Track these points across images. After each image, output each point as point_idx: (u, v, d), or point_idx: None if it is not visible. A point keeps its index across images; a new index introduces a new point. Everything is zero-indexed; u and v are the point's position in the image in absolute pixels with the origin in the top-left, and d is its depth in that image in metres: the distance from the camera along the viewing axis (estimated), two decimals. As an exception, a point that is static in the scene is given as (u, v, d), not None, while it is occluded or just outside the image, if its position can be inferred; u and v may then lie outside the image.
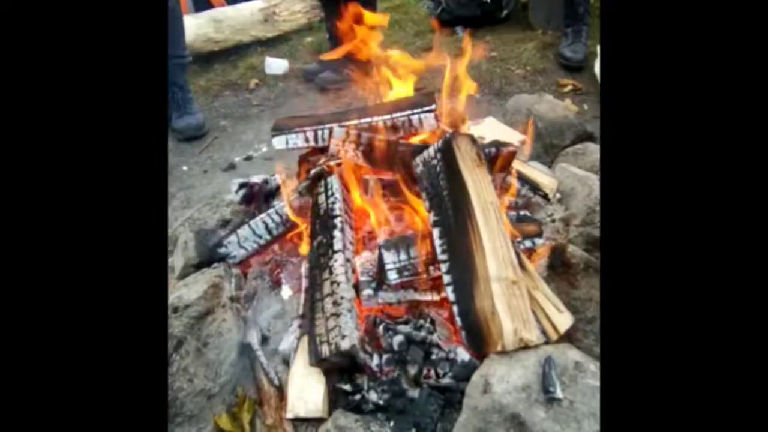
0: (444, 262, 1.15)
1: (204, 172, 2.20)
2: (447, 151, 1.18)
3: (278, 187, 1.61)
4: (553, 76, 2.61)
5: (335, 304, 1.11)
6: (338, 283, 1.13)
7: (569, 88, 2.49)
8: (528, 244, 1.31)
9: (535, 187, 1.42)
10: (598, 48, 2.51)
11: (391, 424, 1.06)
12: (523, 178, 1.42)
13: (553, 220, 1.43)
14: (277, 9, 3.17)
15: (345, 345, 1.04)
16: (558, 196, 1.49)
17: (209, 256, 1.43)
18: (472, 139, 1.20)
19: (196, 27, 2.90)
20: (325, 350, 1.06)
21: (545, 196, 1.42)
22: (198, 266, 1.43)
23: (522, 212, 1.38)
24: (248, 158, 2.25)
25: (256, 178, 1.58)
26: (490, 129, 1.67)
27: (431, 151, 1.21)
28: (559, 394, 0.96)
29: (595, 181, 1.45)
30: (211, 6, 3.20)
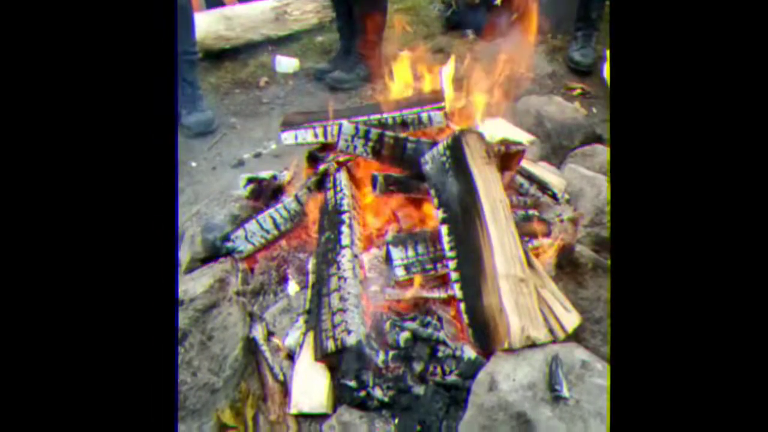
0: (452, 258, 1.14)
1: (212, 169, 2.21)
2: (456, 148, 1.18)
3: (287, 183, 1.61)
4: (562, 80, 2.61)
5: (341, 299, 1.10)
6: (345, 279, 1.13)
7: (578, 91, 2.48)
8: (536, 243, 1.30)
9: (543, 187, 1.41)
10: (607, 52, 2.51)
11: (396, 421, 1.05)
12: (531, 178, 1.41)
13: (562, 220, 1.42)
14: (288, 8, 3.18)
15: (351, 340, 1.04)
16: (566, 196, 1.48)
17: (216, 251, 1.43)
18: (481, 137, 1.19)
19: (207, 24, 2.91)
20: (330, 345, 1.06)
21: (554, 196, 1.41)
22: (204, 260, 1.44)
23: (530, 212, 1.37)
24: (257, 155, 2.26)
25: (265, 174, 1.58)
26: (499, 129, 1.66)
27: (440, 147, 1.21)
28: (565, 392, 0.96)
29: (603, 181, 1.45)
30: (222, 3, 3.21)
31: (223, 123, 2.51)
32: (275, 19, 3.14)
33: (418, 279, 1.16)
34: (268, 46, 3.13)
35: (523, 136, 1.66)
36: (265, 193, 1.55)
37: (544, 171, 1.47)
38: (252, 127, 2.49)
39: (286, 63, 2.92)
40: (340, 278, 1.13)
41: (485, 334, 1.05)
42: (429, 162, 1.24)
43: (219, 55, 3.00)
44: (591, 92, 2.47)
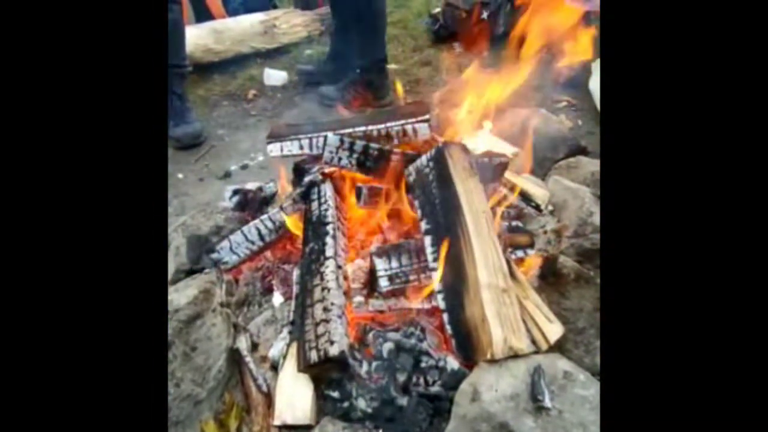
0: (435, 270, 1.15)
1: (199, 180, 2.21)
2: (439, 160, 1.19)
3: (273, 195, 1.62)
4: (547, 93, 2.63)
5: (325, 310, 1.10)
6: (329, 290, 1.13)
7: (563, 103, 2.51)
8: (520, 254, 1.31)
9: (527, 198, 1.43)
10: (593, 65, 2.54)
11: (379, 432, 1.05)
12: (515, 189, 1.43)
13: (545, 232, 1.43)
14: (277, 21, 3.20)
15: (334, 351, 1.04)
16: (550, 208, 1.50)
17: (201, 262, 1.43)
18: (465, 149, 1.21)
19: (196, 37, 2.92)
20: (313, 356, 1.06)
21: (537, 207, 1.42)
22: (189, 272, 1.43)
23: (514, 223, 1.38)
24: (244, 167, 2.26)
25: (251, 185, 1.59)
26: (484, 141, 1.68)
27: (424, 159, 1.22)
28: (548, 403, 0.96)
29: (587, 193, 1.46)
30: (212, 17, 3.23)
31: (211, 135, 2.51)
32: (264, 33, 3.16)
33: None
34: (257, 59, 3.14)
35: (507, 148, 1.67)
36: (252, 204, 1.55)
37: (527, 182, 1.48)
38: (240, 139, 2.49)
39: (275, 76, 2.94)
40: (323, 289, 1.13)
41: (468, 345, 1.06)
42: (413, 174, 1.25)
43: (208, 68, 3.01)
44: (577, 105, 2.51)
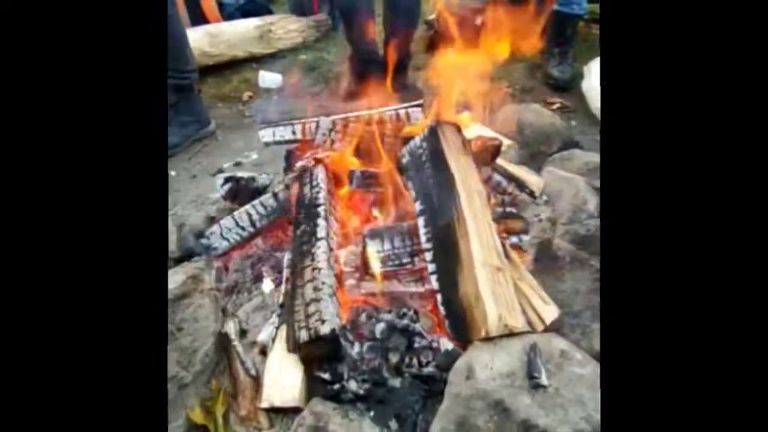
0: (428, 250, 1.13)
1: (192, 177, 2.19)
2: (433, 140, 1.18)
3: (266, 186, 1.60)
4: (541, 95, 2.64)
5: (316, 289, 1.08)
6: (320, 270, 1.11)
7: (557, 105, 2.52)
8: (514, 239, 1.29)
9: (521, 185, 1.41)
10: (584, 68, 2.56)
11: (371, 414, 1.02)
12: (509, 176, 1.42)
13: (540, 220, 1.42)
14: (272, 27, 3.21)
15: (324, 329, 1.01)
16: (545, 197, 1.49)
17: (190, 251, 1.40)
18: (458, 128, 1.20)
19: (191, 40, 2.91)
20: (303, 335, 1.03)
21: (532, 194, 1.41)
22: (178, 260, 1.40)
23: (509, 209, 1.37)
24: (237, 164, 2.24)
25: (243, 174, 1.57)
26: (476, 133, 1.67)
27: (417, 140, 1.21)
28: (544, 380, 0.94)
29: (581, 182, 1.45)
30: (206, 20, 3.24)
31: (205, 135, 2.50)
32: (259, 38, 3.17)
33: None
34: (251, 64, 3.14)
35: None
36: (243, 193, 1.53)
37: (521, 170, 1.47)
38: (234, 138, 2.48)
39: (270, 78, 2.94)
40: (314, 269, 1.11)
41: (462, 324, 1.03)
42: (407, 155, 1.23)
43: (202, 71, 3.00)
44: (570, 106, 2.51)
